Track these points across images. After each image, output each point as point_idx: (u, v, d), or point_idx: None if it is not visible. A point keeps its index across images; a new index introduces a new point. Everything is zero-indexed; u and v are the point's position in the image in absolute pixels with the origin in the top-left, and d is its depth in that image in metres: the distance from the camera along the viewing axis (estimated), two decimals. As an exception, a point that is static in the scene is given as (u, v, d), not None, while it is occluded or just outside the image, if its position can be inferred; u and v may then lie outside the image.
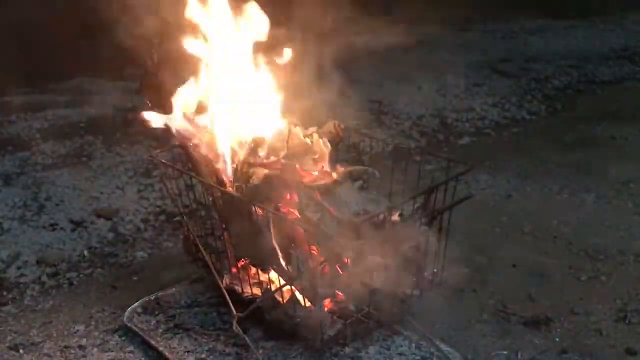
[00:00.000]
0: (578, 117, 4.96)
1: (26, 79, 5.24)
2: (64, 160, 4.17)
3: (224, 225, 2.56)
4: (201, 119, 2.65)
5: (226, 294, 2.47)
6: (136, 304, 2.68)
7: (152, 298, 2.72)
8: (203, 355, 2.41)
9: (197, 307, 2.67)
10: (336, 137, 2.65)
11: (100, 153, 4.23)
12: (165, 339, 2.50)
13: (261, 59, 2.69)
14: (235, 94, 2.65)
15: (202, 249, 2.63)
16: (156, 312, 2.66)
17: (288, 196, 2.39)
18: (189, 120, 2.63)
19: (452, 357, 2.37)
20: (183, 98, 2.64)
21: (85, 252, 3.19)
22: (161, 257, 3.14)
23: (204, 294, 2.73)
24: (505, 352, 2.46)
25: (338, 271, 2.33)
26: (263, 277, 2.51)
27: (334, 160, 2.63)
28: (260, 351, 2.38)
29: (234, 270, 2.57)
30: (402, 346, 2.42)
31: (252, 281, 2.51)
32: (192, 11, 2.58)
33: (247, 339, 2.36)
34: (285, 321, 2.39)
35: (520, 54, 6.44)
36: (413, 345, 2.42)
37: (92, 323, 2.65)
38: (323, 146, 2.56)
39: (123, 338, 2.54)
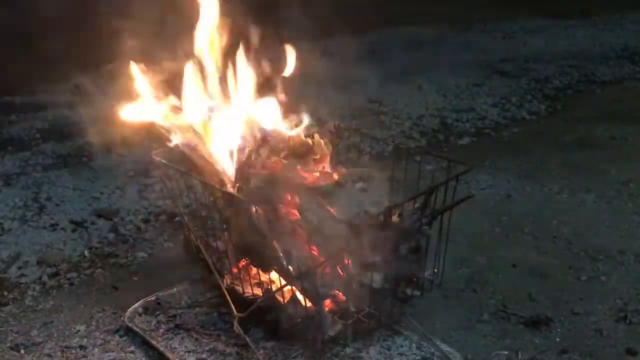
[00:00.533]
0: (578, 117, 4.96)
1: (27, 78, 5.25)
2: (65, 161, 4.18)
3: (224, 226, 2.56)
4: (202, 119, 2.65)
5: (227, 294, 2.47)
6: (137, 304, 2.68)
7: (152, 298, 2.72)
8: (204, 356, 2.41)
9: (198, 307, 2.68)
10: (336, 137, 2.66)
11: (101, 153, 4.23)
12: (166, 339, 2.51)
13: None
14: (236, 94, 2.66)
15: (202, 249, 2.64)
16: (157, 313, 2.66)
17: (289, 197, 2.39)
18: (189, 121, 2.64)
19: (453, 357, 2.38)
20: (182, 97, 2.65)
21: (86, 253, 3.19)
22: (162, 257, 3.14)
23: (204, 294, 2.74)
24: (505, 352, 2.46)
25: (339, 272, 2.33)
26: (264, 277, 2.51)
27: (335, 160, 2.64)
28: (261, 351, 2.38)
29: (234, 270, 2.57)
30: (402, 346, 2.42)
31: (252, 281, 2.51)
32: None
33: (247, 339, 2.37)
34: (286, 321, 2.39)
35: (521, 54, 6.44)
36: (413, 345, 2.43)
37: (93, 323, 2.65)
38: (324, 147, 2.56)
39: (124, 338, 2.55)
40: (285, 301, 2.39)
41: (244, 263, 2.57)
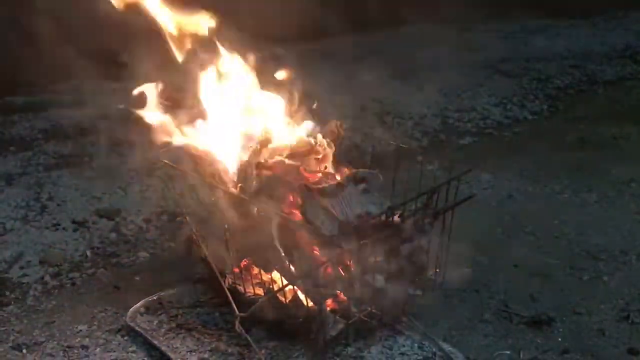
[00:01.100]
0: (580, 117, 4.96)
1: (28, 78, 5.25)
2: (66, 161, 4.18)
3: (226, 226, 2.56)
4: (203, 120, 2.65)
5: (228, 294, 2.47)
6: (139, 304, 2.68)
7: (154, 298, 2.72)
8: (205, 355, 2.42)
9: (200, 307, 2.68)
10: (338, 137, 2.66)
11: (103, 153, 4.23)
12: (168, 339, 2.51)
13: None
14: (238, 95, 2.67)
15: (204, 249, 2.64)
16: (159, 312, 2.66)
17: (291, 198, 2.39)
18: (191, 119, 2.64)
19: (454, 357, 2.38)
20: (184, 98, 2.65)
21: (88, 252, 3.20)
22: (163, 257, 3.15)
23: (206, 294, 2.74)
24: (507, 352, 2.46)
25: (340, 272, 2.33)
26: (265, 277, 2.52)
27: (337, 160, 2.64)
28: (263, 351, 2.38)
29: (236, 270, 2.57)
30: (404, 346, 2.42)
31: (254, 281, 2.51)
32: None
33: (249, 338, 2.37)
34: (287, 321, 2.40)
35: (522, 53, 6.43)
36: (415, 345, 2.42)
37: (95, 323, 2.65)
38: (327, 146, 2.57)
39: (126, 338, 2.55)
40: (287, 301, 2.39)
41: (245, 263, 2.57)
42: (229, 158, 2.63)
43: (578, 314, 2.67)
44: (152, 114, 2.65)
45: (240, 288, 2.53)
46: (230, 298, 2.45)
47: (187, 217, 2.75)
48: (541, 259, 3.06)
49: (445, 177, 2.43)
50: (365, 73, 4.93)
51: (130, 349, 2.49)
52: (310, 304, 2.34)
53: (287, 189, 2.39)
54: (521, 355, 2.44)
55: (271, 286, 2.46)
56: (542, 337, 2.54)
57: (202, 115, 2.69)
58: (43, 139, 4.53)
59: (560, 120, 4.95)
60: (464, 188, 3.07)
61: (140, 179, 3.88)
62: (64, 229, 3.38)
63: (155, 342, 2.47)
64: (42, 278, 2.99)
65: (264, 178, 2.44)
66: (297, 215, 2.36)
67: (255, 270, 2.53)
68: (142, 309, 2.67)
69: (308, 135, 2.61)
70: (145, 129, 2.75)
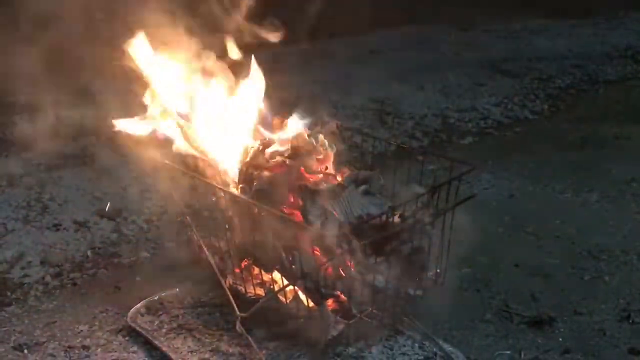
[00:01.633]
0: (581, 117, 4.96)
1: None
2: (67, 161, 4.18)
3: (227, 226, 2.56)
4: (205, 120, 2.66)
5: (229, 294, 2.47)
6: (140, 304, 2.68)
7: (155, 298, 2.72)
8: (206, 356, 2.42)
9: (201, 308, 2.68)
10: (338, 138, 2.66)
11: (104, 153, 4.24)
12: (169, 339, 2.51)
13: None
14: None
15: (205, 249, 2.64)
16: (160, 313, 2.66)
17: (292, 198, 2.39)
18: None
19: (455, 357, 2.38)
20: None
21: (89, 253, 3.20)
22: (164, 257, 3.14)
23: (207, 294, 2.74)
24: (508, 352, 2.46)
25: (341, 272, 2.34)
26: (266, 277, 2.52)
27: (338, 160, 2.64)
28: (264, 351, 2.38)
29: (237, 270, 2.57)
30: (405, 346, 2.42)
31: (255, 281, 2.52)
32: None
33: (250, 339, 2.37)
34: (288, 321, 2.39)
35: (523, 53, 6.43)
36: (416, 345, 2.42)
37: (96, 323, 2.66)
38: (328, 147, 2.57)
39: (127, 338, 2.55)
40: (288, 301, 2.39)
41: (246, 263, 2.57)
42: (229, 159, 2.63)
43: (579, 313, 2.67)
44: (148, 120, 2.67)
45: (241, 288, 2.53)
46: (231, 298, 2.45)
47: (188, 218, 2.75)
48: (542, 259, 3.06)
49: (446, 177, 2.43)
50: (365, 73, 4.94)
51: (131, 349, 2.49)
52: (311, 304, 2.34)
53: (288, 189, 2.39)
54: (522, 356, 2.44)
55: (272, 286, 2.46)
56: (543, 337, 2.54)
57: (202, 116, 2.69)
58: (44, 139, 4.53)
59: (561, 120, 4.94)
60: (465, 188, 3.07)
61: (142, 179, 3.88)
62: (65, 229, 3.39)
63: (156, 342, 2.47)
64: (43, 278, 2.99)
65: (264, 179, 2.44)
66: (298, 216, 2.36)
67: (256, 270, 2.53)
68: (143, 309, 2.67)
69: (309, 136, 2.61)
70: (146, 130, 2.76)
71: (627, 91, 5.58)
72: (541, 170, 4.01)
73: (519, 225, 3.36)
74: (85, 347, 2.51)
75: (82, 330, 2.61)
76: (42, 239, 3.30)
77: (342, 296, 2.39)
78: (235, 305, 2.41)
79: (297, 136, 2.58)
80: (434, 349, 2.40)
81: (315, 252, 2.31)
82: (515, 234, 3.29)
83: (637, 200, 3.60)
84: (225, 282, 2.56)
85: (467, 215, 2.55)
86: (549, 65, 6.07)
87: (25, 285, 2.95)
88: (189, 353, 2.43)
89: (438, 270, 2.54)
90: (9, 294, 2.89)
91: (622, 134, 4.55)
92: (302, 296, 2.36)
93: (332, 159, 2.61)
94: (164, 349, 2.44)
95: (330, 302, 2.37)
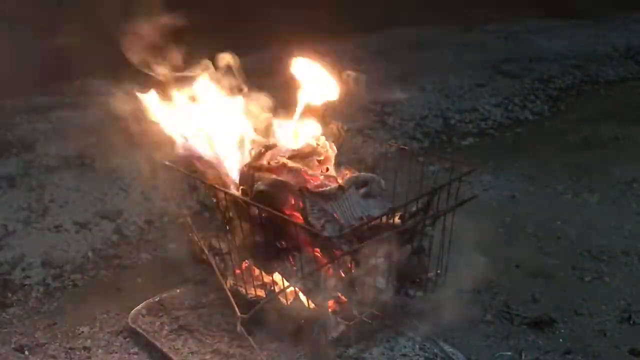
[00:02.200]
0: (581, 118, 4.96)
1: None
2: (68, 162, 4.18)
3: (227, 227, 2.56)
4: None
5: (230, 296, 2.48)
6: (140, 306, 2.68)
7: (156, 299, 2.72)
8: (207, 357, 2.42)
9: (202, 309, 2.68)
10: (339, 139, 2.66)
11: (104, 155, 4.24)
12: (170, 340, 2.51)
13: None
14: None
15: (206, 250, 2.64)
16: (160, 314, 2.66)
17: (293, 201, 2.39)
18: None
19: (456, 358, 2.38)
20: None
21: (90, 254, 3.20)
22: (165, 258, 3.15)
23: (208, 295, 2.74)
24: (508, 353, 2.46)
25: (341, 274, 2.34)
26: (267, 278, 2.52)
27: (339, 162, 2.64)
28: (265, 352, 2.39)
29: (237, 271, 2.57)
30: (405, 347, 2.42)
31: (256, 282, 2.52)
32: None
33: (251, 340, 2.37)
34: (289, 322, 2.39)
35: (524, 54, 6.43)
36: (417, 346, 2.42)
37: (97, 324, 2.66)
38: (329, 148, 2.57)
39: (127, 339, 2.55)
40: (289, 302, 2.39)
41: (247, 264, 2.57)
42: (230, 160, 2.63)
43: (580, 314, 2.67)
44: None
45: (242, 289, 2.53)
46: (232, 299, 2.45)
47: (189, 219, 2.75)
48: (543, 260, 3.06)
49: (446, 178, 2.43)
50: (367, 74, 4.93)
51: (132, 350, 2.49)
52: (312, 305, 2.34)
53: (289, 191, 2.39)
54: (522, 357, 2.44)
55: (273, 288, 2.46)
56: (543, 338, 2.54)
57: (203, 117, 2.69)
58: (45, 140, 4.53)
59: (562, 121, 4.94)
60: (466, 189, 3.07)
61: (142, 180, 3.89)
62: (66, 230, 3.39)
63: (157, 343, 2.48)
64: (44, 280, 2.99)
65: (265, 180, 2.44)
66: (299, 217, 2.36)
67: (257, 271, 2.53)
68: (144, 311, 2.67)
69: (310, 137, 2.61)
70: (147, 130, 2.76)
71: (628, 92, 5.58)
72: (542, 171, 4.01)
73: (520, 226, 3.35)
74: (86, 349, 2.51)
75: (83, 332, 2.62)
76: (43, 240, 3.30)
77: (343, 297, 2.39)
78: (236, 307, 2.41)
79: (298, 137, 2.58)
80: (435, 350, 2.40)
81: (316, 253, 2.31)
82: (516, 234, 3.29)
83: (637, 201, 3.60)
84: (226, 283, 2.56)
85: (467, 216, 2.56)
86: (550, 65, 6.07)
87: (26, 286, 2.96)
88: (190, 354, 2.43)
89: (438, 271, 2.54)
90: (10, 295, 2.89)
91: (623, 134, 4.55)
92: (303, 297, 2.36)
93: (332, 160, 2.61)
94: (165, 350, 2.44)
95: (330, 303, 2.38)
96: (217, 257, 2.64)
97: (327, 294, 2.31)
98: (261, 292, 2.50)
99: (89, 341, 2.56)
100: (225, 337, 2.50)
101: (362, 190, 2.42)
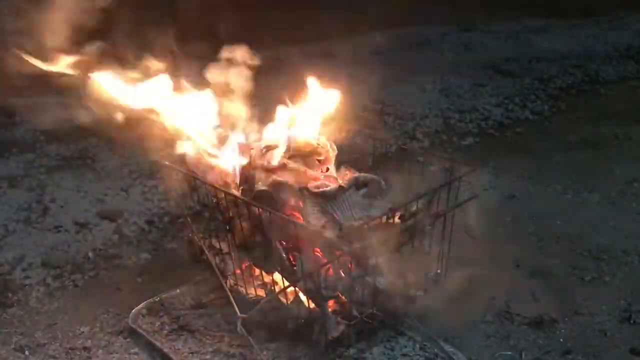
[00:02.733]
0: (582, 117, 4.95)
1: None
2: (68, 162, 4.19)
3: (228, 227, 2.56)
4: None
5: (230, 295, 2.48)
6: (141, 306, 2.68)
7: (156, 300, 2.72)
8: (208, 357, 2.42)
9: (202, 309, 2.68)
10: (339, 139, 2.66)
11: (104, 155, 4.24)
12: (170, 340, 2.51)
13: None
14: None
15: (206, 250, 2.64)
16: (161, 314, 2.67)
17: (293, 201, 2.40)
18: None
19: (456, 357, 2.38)
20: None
21: (90, 254, 3.20)
22: (165, 258, 3.15)
23: (208, 295, 2.74)
24: (509, 353, 2.46)
25: (341, 274, 2.34)
26: (267, 278, 2.52)
27: (339, 161, 2.64)
28: (265, 352, 2.39)
29: (238, 271, 2.57)
30: (406, 347, 2.42)
31: (256, 282, 2.52)
32: None
33: (251, 340, 2.37)
34: (289, 322, 2.40)
35: (524, 53, 6.43)
36: (417, 346, 2.43)
37: (97, 325, 2.66)
38: (330, 148, 2.57)
39: (128, 339, 2.55)
40: (289, 302, 2.39)
41: (247, 264, 2.58)
42: (231, 160, 2.63)
43: (580, 314, 2.67)
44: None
45: (242, 289, 2.53)
46: (232, 299, 2.45)
47: (189, 219, 2.75)
48: (543, 260, 3.06)
49: (446, 178, 2.43)
50: (366, 74, 4.93)
51: (132, 350, 2.49)
52: (312, 305, 2.34)
53: (289, 191, 2.39)
54: (523, 356, 2.44)
55: (273, 287, 2.47)
56: (544, 337, 2.54)
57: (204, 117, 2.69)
58: (45, 140, 4.54)
59: (562, 121, 4.94)
60: (466, 189, 3.07)
61: (142, 180, 3.89)
62: (66, 230, 3.39)
63: (157, 343, 2.48)
64: (45, 280, 2.99)
65: (266, 181, 2.44)
66: (299, 217, 2.36)
67: (257, 271, 2.53)
68: (144, 311, 2.67)
69: (310, 137, 2.61)
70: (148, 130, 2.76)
71: (628, 91, 5.58)
72: (542, 171, 4.01)
73: (520, 226, 3.35)
74: (86, 349, 2.51)
75: (83, 332, 2.62)
76: (43, 240, 3.30)
77: (343, 297, 2.40)
78: (236, 306, 2.41)
79: (298, 136, 2.59)
80: (435, 350, 2.40)
81: (316, 253, 2.31)
82: (516, 234, 3.29)
83: (638, 201, 3.60)
84: (226, 283, 2.56)
85: (467, 216, 2.56)
86: (550, 65, 6.07)
87: (27, 286, 2.96)
88: (190, 354, 2.43)
89: (439, 271, 2.54)
90: (10, 295, 2.89)
91: (623, 134, 4.54)
92: (303, 297, 2.36)
93: (333, 160, 2.62)
94: (165, 350, 2.44)
95: (331, 303, 2.38)
96: (217, 257, 2.64)
97: (327, 293, 2.31)
98: (261, 292, 2.50)
99: (89, 341, 2.56)
100: (225, 337, 2.50)
101: (362, 191, 2.42)
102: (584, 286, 2.86)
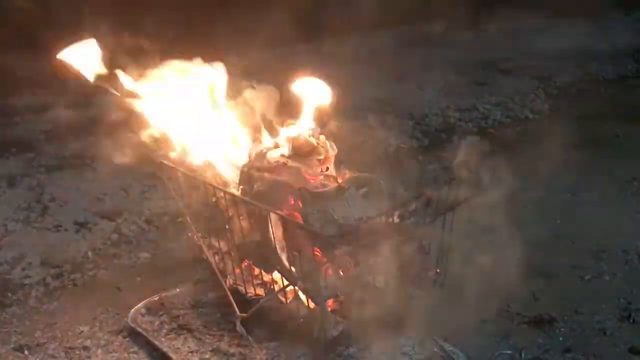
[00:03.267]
0: (582, 116, 4.95)
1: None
2: (68, 162, 4.19)
3: (227, 226, 2.56)
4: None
5: (230, 295, 2.48)
6: (140, 305, 2.68)
7: (156, 299, 2.72)
8: (207, 356, 2.42)
9: (201, 308, 2.68)
10: (338, 138, 2.66)
11: (104, 154, 4.24)
12: (169, 340, 2.51)
13: None
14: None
15: (205, 249, 2.64)
16: (160, 313, 2.66)
17: (292, 201, 2.39)
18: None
19: (456, 356, 2.38)
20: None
21: (89, 253, 3.20)
22: (165, 258, 3.15)
23: (207, 294, 2.74)
24: (508, 352, 2.46)
25: (341, 273, 2.34)
26: (266, 277, 2.52)
27: (339, 161, 2.64)
28: (264, 351, 2.39)
29: (237, 270, 2.57)
30: (405, 346, 2.42)
31: (255, 282, 2.52)
32: None
33: (250, 339, 2.37)
34: (288, 321, 2.39)
35: (524, 52, 6.43)
36: (417, 345, 2.42)
37: (97, 324, 2.66)
38: (329, 148, 2.57)
39: (127, 339, 2.55)
40: (288, 301, 2.39)
41: (246, 264, 2.57)
42: (231, 160, 2.63)
43: (579, 313, 2.67)
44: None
45: (242, 289, 2.53)
46: (232, 298, 2.45)
47: (188, 218, 2.75)
48: (543, 259, 3.05)
49: (446, 177, 2.43)
50: (366, 73, 4.94)
51: (132, 349, 2.49)
52: (311, 304, 2.34)
53: (288, 191, 2.39)
54: (522, 355, 2.44)
55: (272, 287, 2.46)
56: (543, 336, 2.54)
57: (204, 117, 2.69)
58: (45, 140, 4.54)
59: (562, 120, 4.93)
60: (465, 188, 3.07)
61: (142, 180, 3.89)
62: (65, 230, 3.39)
63: (157, 342, 2.48)
64: (44, 279, 2.99)
65: (265, 180, 2.44)
66: (298, 217, 2.36)
67: (256, 270, 2.53)
68: (144, 310, 2.67)
69: (310, 136, 2.61)
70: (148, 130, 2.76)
71: (628, 90, 5.58)
72: (542, 170, 4.00)
73: (520, 226, 3.34)
74: (85, 348, 2.51)
75: (82, 331, 2.62)
76: (43, 239, 3.30)
77: (343, 297, 2.39)
78: (235, 306, 2.41)
79: (298, 137, 2.58)
80: (435, 349, 2.40)
81: (315, 252, 2.31)
82: (516, 234, 3.28)
83: (637, 200, 3.60)
84: (225, 282, 2.56)
85: (467, 215, 2.55)
86: (550, 64, 6.06)
87: (26, 286, 2.96)
88: (190, 353, 2.43)
89: (438, 270, 2.54)
90: (9, 295, 2.89)
91: (623, 132, 4.54)
92: (302, 296, 2.36)
93: (332, 159, 2.61)
94: (165, 349, 2.44)
95: (330, 302, 2.37)
96: (216, 257, 2.64)
97: (326, 293, 2.31)
98: (261, 291, 2.50)
99: (88, 341, 2.56)
100: (225, 336, 2.50)
101: (362, 190, 2.42)
102: (584, 285, 2.86)
